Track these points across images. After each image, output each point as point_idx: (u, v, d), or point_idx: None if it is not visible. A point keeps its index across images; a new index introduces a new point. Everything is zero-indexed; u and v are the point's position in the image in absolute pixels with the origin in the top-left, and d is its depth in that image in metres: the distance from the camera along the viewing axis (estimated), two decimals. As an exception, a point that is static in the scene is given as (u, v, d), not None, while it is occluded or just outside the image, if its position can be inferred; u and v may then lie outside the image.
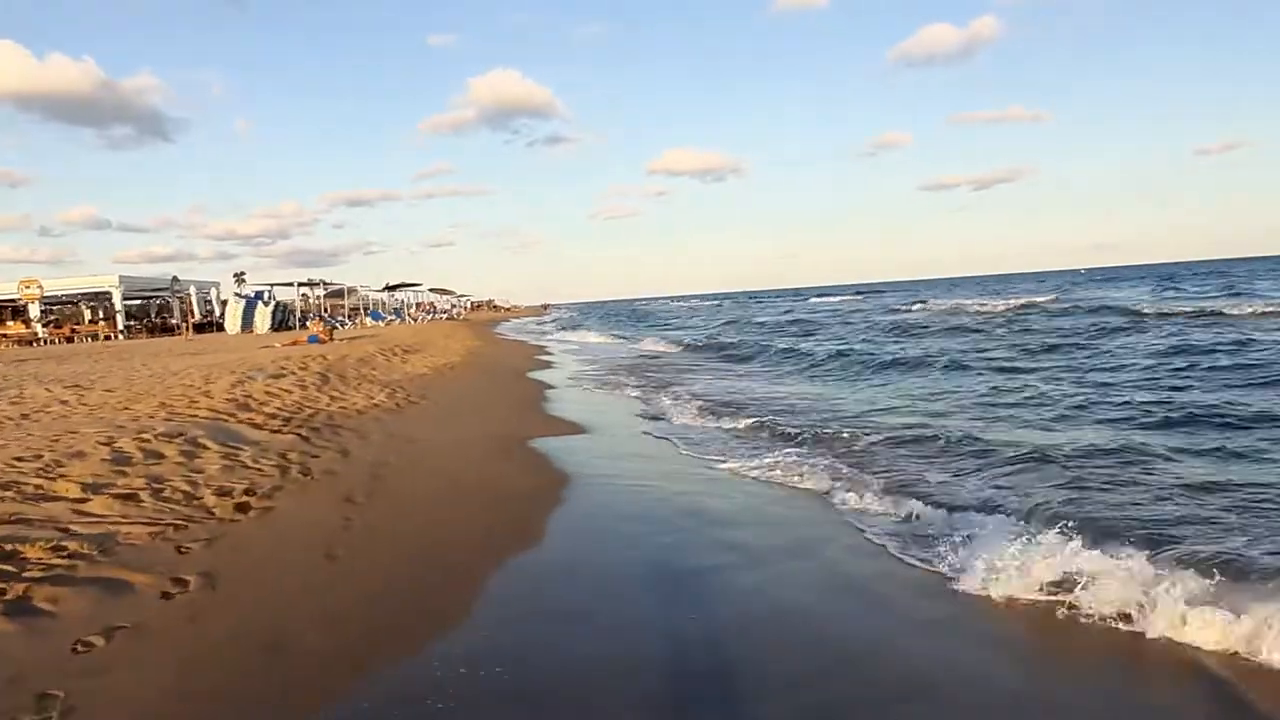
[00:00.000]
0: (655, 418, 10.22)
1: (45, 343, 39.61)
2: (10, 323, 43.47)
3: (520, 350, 24.76)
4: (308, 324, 28.02)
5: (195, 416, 8.20)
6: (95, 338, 40.96)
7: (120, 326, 41.96)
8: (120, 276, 42.24)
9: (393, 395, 11.15)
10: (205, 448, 6.82)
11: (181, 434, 7.18)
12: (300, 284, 38.99)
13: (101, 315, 44.28)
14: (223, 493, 5.65)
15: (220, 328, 39.31)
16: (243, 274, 39.25)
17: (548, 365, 18.83)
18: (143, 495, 5.37)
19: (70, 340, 40.29)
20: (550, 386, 13.90)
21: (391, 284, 46.74)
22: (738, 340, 23.47)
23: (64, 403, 9.21)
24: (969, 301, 37.45)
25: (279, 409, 9.10)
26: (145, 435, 6.91)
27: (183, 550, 4.55)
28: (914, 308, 37.72)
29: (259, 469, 6.40)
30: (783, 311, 47.38)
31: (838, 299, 69.07)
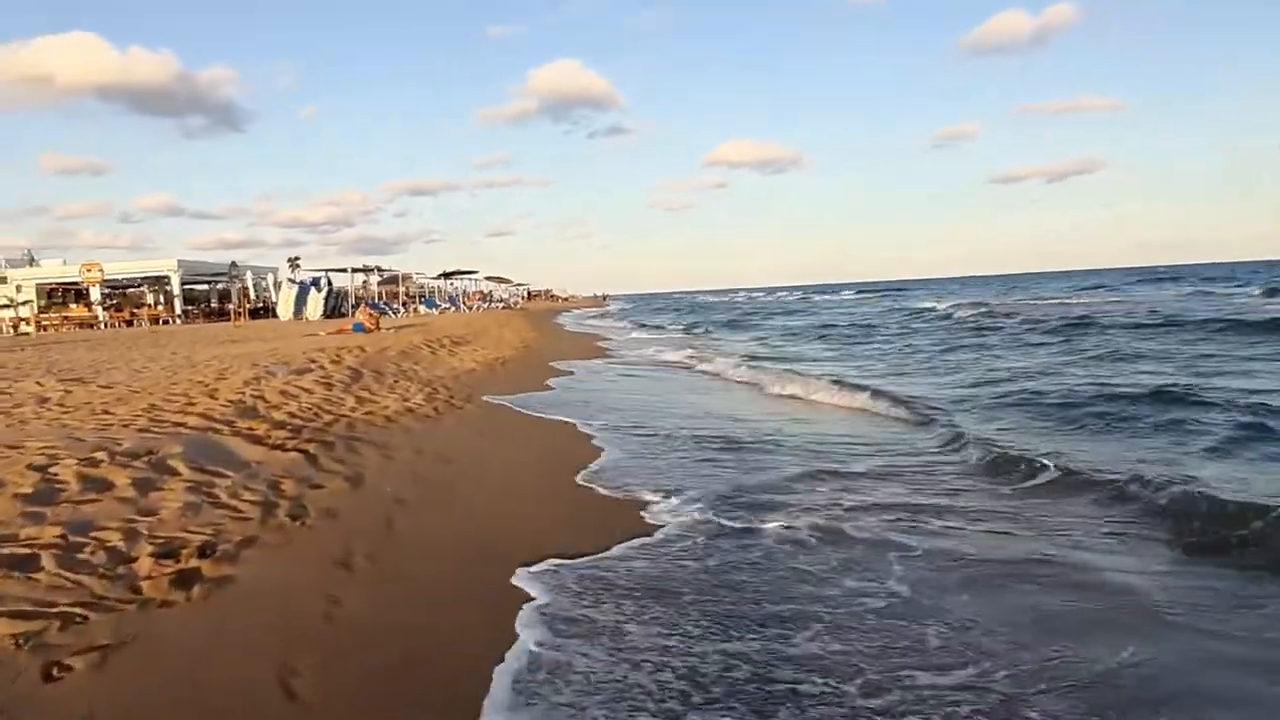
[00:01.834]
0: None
1: (105, 326, 39.60)
2: (74, 306, 43.73)
3: (582, 343, 23.03)
4: (354, 312, 26.83)
5: (183, 425, 6.60)
6: (155, 322, 40.85)
7: (178, 311, 41.72)
8: (178, 261, 42.02)
9: (432, 397, 9.46)
10: (173, 474, 5.17)
11: (151, 452, 5.54)
12: (354, 270, 38.04)
13: (161, 300, 44.17)
14: (167, 552, 3.95)
15: (274, 314, 38.66)
16: (297, 259, 38.55)
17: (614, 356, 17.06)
18: (45, 557, 3.70)
19: (130, 324, 40.22)
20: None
21: (447, 271, 45.64)
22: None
23: (43, 401, 7.74)
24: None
25: (291, 414, 7.47)
26: (99, 454, 5.29)
27: (55, 674, 2.85)
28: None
29: (235, 508, 4.70)
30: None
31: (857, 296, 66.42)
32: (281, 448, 6.29)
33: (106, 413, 6.99)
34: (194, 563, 3.90)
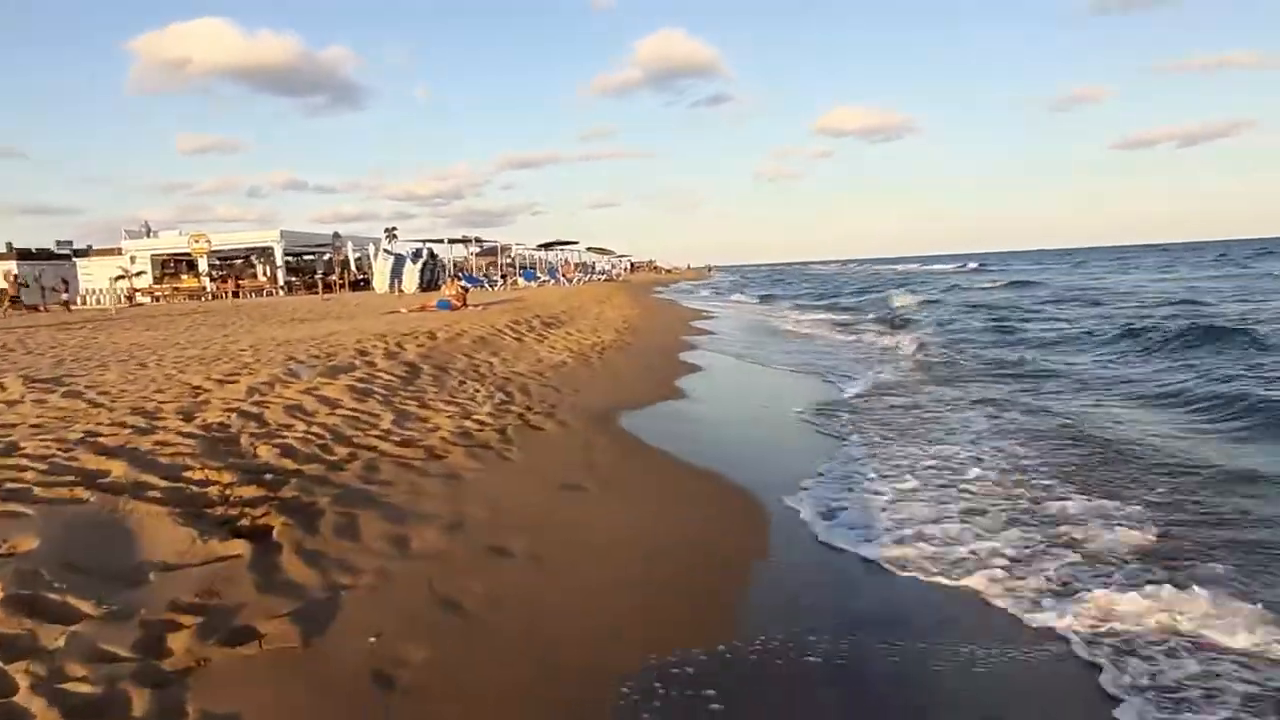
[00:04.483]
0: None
1: (212, 297, 39.62)
2: (184, 277, 44.18)
3: (701, 325, 20.14)
4: (441, 286, 24.91)
5: (99, 475, 4.22)
6: (258, 293, 40.67)
7: (281, 282, 41.36)
8: (281, 232, 41.57)
9: (503, 409, 6.92)
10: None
11: (-25, 552, 3.15)
12: (450, 240, 36.36)
13: (267, 271, 44.05)
14: None
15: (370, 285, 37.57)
16: (394, 230, 37.18)
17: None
18: None
19: (236, 295, 40.17)
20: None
21: (547, 242, 43.53)
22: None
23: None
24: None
25: (286, 448, 5.04)
26: None
27: None
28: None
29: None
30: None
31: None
32: (233, 524, 3.84)
33: (14, 448, 4.70)
34: None
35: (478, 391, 7.68)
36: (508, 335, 12.00)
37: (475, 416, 6.58)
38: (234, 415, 5.62)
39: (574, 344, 12.01)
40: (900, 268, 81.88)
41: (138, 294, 41.13)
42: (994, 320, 18.09)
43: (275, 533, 3.78)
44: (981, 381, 9.60)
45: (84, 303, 42.09)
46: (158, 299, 41.42)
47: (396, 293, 30.50)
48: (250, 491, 4.26)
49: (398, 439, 5.65)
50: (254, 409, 5.91)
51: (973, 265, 74.09)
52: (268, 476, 4.52)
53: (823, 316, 23.53)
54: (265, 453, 4.94)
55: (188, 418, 5.54)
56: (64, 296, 35.14)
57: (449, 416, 6.48)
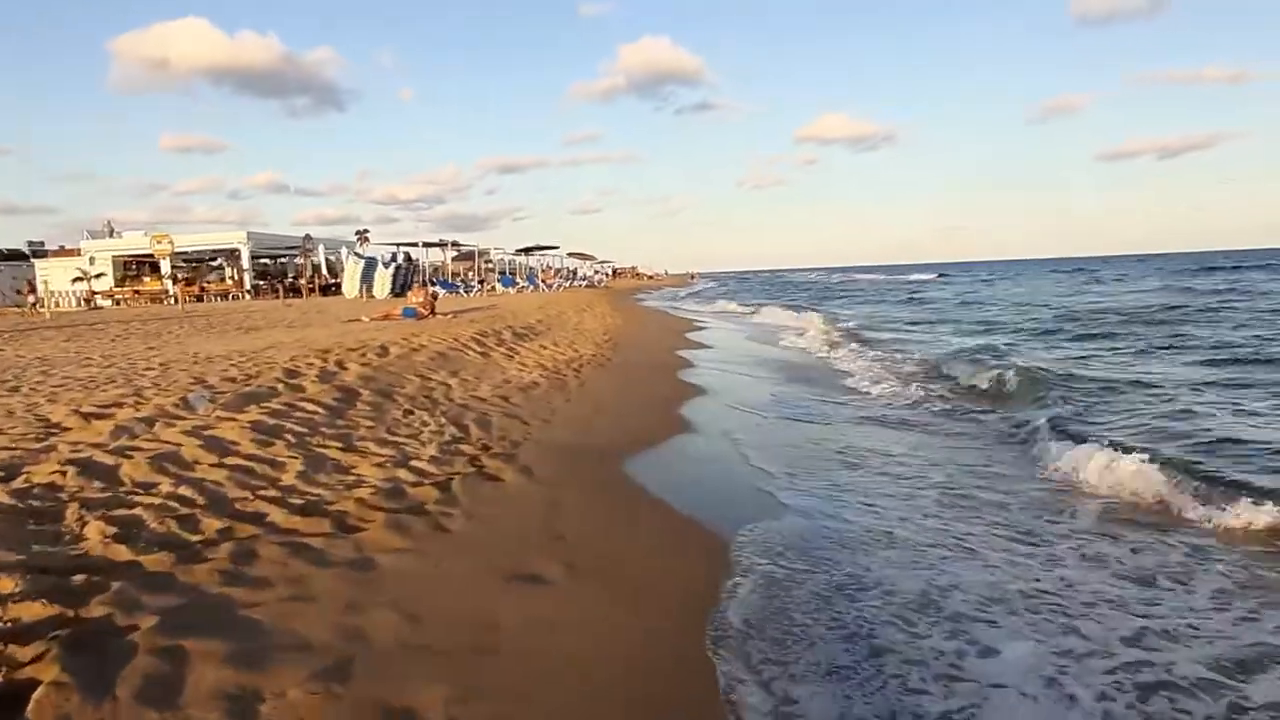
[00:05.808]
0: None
1: (175, 300, 37.83)
2: (147, 279, 42.30)
3: (694, 337, 18.71)
4: (407, 292, 23.39)
5: None
6: (224, 297, 38.96)
7: (248, 286, 39.61)
8: (248, 233, 39.85)
9: (449, 453, 5.49)
10: None
11: None
12: (427, 244, 34.81)
13: (234, 274, 42.29)
14: None
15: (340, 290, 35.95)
16: (365, 232, 35.51)
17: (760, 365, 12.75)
18: None
19: (200, 299, 38.47)
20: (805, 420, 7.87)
21: (527, 247, 42.03)
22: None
23: None
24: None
25: (137, 517, 3.59)
26: None
27: None
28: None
29: None
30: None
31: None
32: (-28, 682, 2.39)
33: None
34: None
35: (425, 425, 6.25)
36: (473, 350, 10.54)
37: (415, 462, 5.16)
38: (73, 471, 4.16)
39: (549, 359, 10.58)
40: (870, 277, 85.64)
41: (97, 296, 39.37)
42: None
43: (32, 702, 2.34)
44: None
45: (43, 305, 40.25)
46: (118, 302, 39.61)
47: (365, 297, 28.94)
48: (35, 611, 2.81)
49: (299, 503, 4.21)
50: (109, 459, 4.45)
51: (929, 276, 75.81)
52: (77, 579, 3.07)
53: (815, 328, 22.14)
54: (94, 533, 3.49)
55: (7, 475, 4.07)
56: (31, 299, 33.95)
57: (379, 464, 5.05)
